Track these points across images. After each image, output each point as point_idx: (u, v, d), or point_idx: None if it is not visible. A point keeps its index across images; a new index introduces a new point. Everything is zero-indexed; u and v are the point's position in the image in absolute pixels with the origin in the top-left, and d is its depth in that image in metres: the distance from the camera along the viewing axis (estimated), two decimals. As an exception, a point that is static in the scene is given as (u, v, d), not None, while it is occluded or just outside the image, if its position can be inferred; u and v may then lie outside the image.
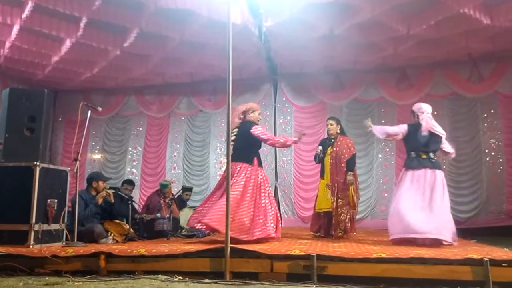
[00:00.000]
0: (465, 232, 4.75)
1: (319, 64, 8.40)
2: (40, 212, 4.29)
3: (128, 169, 9.86)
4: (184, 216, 6.70)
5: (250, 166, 4.82)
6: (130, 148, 9.98)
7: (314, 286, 3.31)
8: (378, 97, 8.77)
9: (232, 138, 4.90)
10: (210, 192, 5.06)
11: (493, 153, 8.15)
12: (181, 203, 7.29)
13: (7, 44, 7.17)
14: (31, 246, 4.13)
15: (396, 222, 4.69)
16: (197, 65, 8.40)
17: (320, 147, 5.85)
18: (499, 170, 8.05)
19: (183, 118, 9.92)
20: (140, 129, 10.05)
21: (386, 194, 8.52)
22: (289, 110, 9.23)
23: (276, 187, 8.82)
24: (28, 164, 4.32)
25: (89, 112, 5.06)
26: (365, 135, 8.78)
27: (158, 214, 6.21)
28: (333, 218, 5.53)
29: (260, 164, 4.95)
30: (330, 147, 5.76)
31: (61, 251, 3.90)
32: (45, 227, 4.34)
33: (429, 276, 3.33)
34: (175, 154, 9.75)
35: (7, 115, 4.49)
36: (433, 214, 4.56)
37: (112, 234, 5.04)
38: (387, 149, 8.70)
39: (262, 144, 5.03)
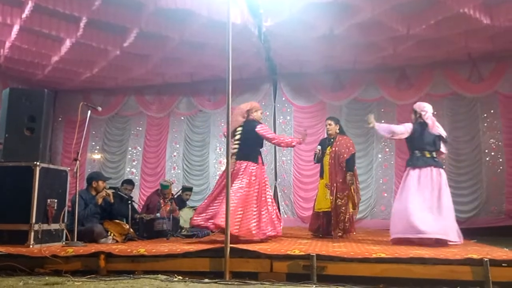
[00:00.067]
0: (465, 232, 4.74)
1: (319, 64, 8.39)
2: (40, 212, 4.29)
3: (128, 169, 9.86)
4: (184, 216, 6.70)
5: (255, 164, 4.91)
6: (130, 148, 9.98)
7: (314, 286, 3.31)
8: (378, 97, 8.77)
9: (237, 137, 4.98)
10: (215, 190, 4.91)
11: (493, 153, 8.15)
12: (181, 203, 7.29)
13: (7, 44, 7.17)
14: (31, 246, 4.13)
15: (401, 221, 4.66)
16: (197, 65, 8.40)
17: (319, 147, 5.86)
18: (499, 170, 8.04)
19: (182, 118, 9.92)
20: (140, 129, 10.05)
21: (385, 194, 8.53)
22: (288, 110, 9.23)
23: (275, 187, 8.82)
24: (28, 164, 4.33)
25: (89, 112, 5.06)
26: (365, 135, 8.80)
27: (158, 214, 6.21)
28: (332, 218, 5.53)
29: (263, 163, 5.08)
30: (329, 147, 5.76)
31: (61, 251, 3.90)
32: (45, 227, 4.35)
33: (429, 276, 3.33)
34: (175, 154, 9.75)
35: (7, 115, 4.49)
36: (442, 215, 4.60)
37: (112, 234, 5.04)
38: (387, 149, 8.70)
39: (263, 143, 5.10)
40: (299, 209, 8.72)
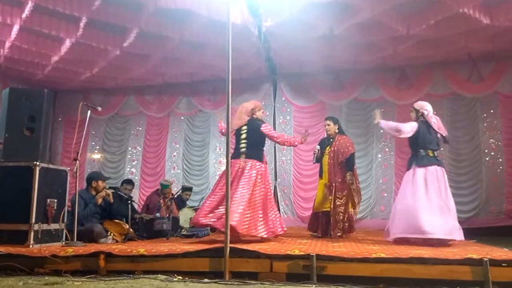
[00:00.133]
0: (464, 232, 4.74)
1: (319, 64, 8.39)
2: (39, 212, 4.29)
3: (128, 169, 9.86)
4: (184, 216, 6.70)
5: (260, 163, 4.98)
6: (129, 148, 9.98)
7: (314, 286, 3.31)
8: (378, 97, 8.77)
9: (243, 136, 5.02)
10: (222, 190, 4.83)
11: (492, 153, 8.15)
12: (180, 203, 7.29)
13: (7, 44, 7.17)
14: (30, 246, 4.13)
15: (407, 220, 4.62)
16: (197, 65, 8.40)
17: (318, 147, 5.86)
18: (498, 170, 8.05)
19: (182, 118, 9.92)
20: (140, 129, 10.05)
21: (385, 194, 8.53)
22: (288, 110, 9.24)
23: (275, 187, 8.82)
24: (28, 164, 4.32)
25: (89, 112, 5.06)
26: (364, 134, 8.80)
27: (158, 214, 6.21)
28: (331, 218, 5.53)
29: (266, 162, 5.17)
30: (328, 147, 5.76)
31: (61, 251, 3.90)
32: (44, 226, 4.35)
33: (428, 276, 3.33)
34: (175, 154, 9.75)
35: (7, 115, 4.49)
36: (448, 214, 4.63)
37: (112, 234, 5.04)
38: (387, 149, 8.71)
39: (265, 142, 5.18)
40: (299, 209, 8.72)
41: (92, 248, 3.98)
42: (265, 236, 4.76)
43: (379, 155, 8.73)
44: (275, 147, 8.80)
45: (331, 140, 5.79)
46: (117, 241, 4.98)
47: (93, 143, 10.17)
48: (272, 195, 5.15)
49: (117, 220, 5.34)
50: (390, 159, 8.64)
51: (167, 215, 6.08)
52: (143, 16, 6.57)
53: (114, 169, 9.86)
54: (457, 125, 8.26)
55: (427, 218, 4.53)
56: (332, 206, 5.51)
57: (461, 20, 6.43)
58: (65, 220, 4.65)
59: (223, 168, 8.11)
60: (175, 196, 7.30)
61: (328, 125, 5.86)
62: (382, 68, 8.55)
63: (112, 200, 5.39)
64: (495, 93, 8.18)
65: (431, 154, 4.89)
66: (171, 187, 7.05)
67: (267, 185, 5.03)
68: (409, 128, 4.92)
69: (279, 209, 7.48)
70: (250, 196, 4.71)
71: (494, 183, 8.02)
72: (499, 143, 8.12)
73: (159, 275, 3.58)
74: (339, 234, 5.48)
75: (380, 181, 8.62)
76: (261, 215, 4.78)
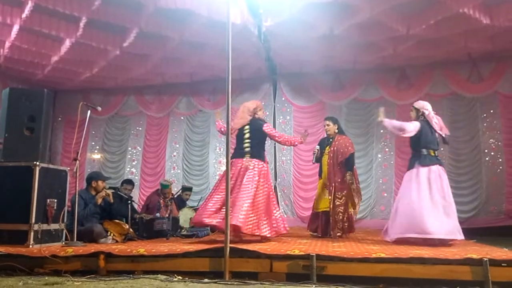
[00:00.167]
0: (464, 232, 4.74)
1: (319, 64, 8.39)
2: (39, 212, 4.29)
3: (128, 169, 9.86)
4: (184, 216, 6.70)
5: (263, 162, 5.02)
6: (129, 148, 9.98)
7: (314, 286, 3.31)
8: (378, 97, 8.77)
9: (247, 135, 5.04)
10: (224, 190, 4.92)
11: (492, 153, 8.15)
12: (180, 203, 7.29)
13: (7, 44, 7.17)
14: (30, 246, 4.13)
15: (410, 220, 4.59)
16: (197, 65, 8.40)
17: (317, 147, 5.86)
18: (498, 170, 8.04)
19: (182, 118, 9.91)
20: (140, 129, 10.05)
21: (385, 194, 8.53)
22: (288, 110, 9.23)
23: (275, 187, 8.82)
24: (28, 164, 4.32)
25: (89, 112, 5.06)
26: (364, 134, 8.80)
27: (158, 214, 6.21)
28: (331, 218, 5.53)
29: (267, 162, 5.22)
30: (328, 147, 5.76)
31: (61, 251, 3.90)
32: (44, 227, 4.35)
33: (428, 276, 3.33)
34: (175, 154, 9.75)
35: (6, 115, 4.49)
36: (451, 214, 4.65)
37: (112, 234, 5.04)
38: (387, 149, 8.71)
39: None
40: (298, 209, 8.72)
41: (92, 248, 3.98)
42: (268, 235, 4.79)
43: (379, 155, 8.73)
44: (275, 147, 8.80)
45: (331, 140, 5.79)
46: (117, 241, 4.98)
47: (93, 143, 10.16)
48: (274, 194, 5.17)
49: (117, 220, 5.34)
50: (390, 159, 8.64)
51: (167, 215, 6.08)
52: (143, 16, 6.57)
53: (114, 169, 9.86)
54: (457, 125, 8.26)
55: (431, 218, 4.53)
56: (331, 206, 5.51)
57: (461, 20, 6.43)
58: (65, 220, 4.65)
59: (223, 168, 8.11)
60: (175, 196, 7.31)
61: (328, 125, 5.86)
62: (382, 68, 8.54)
63: (112, 200, 5.39)
64: (495, 93, 8.18)
65: (432, 154, 4.91)
66: (171, 187, 7.05)
67: (269, 185, 5.07)
68: (412, 127, 4.91)
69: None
70: (254, 196, 4.74)
71: (494, 183, 8.02)
72: (499, 143, 8.12)
73: (159, 275, 3.57)
74: (338, 234, 5.48)
75: (380, 181, 8.61)
76: (264, 214, 4.82)
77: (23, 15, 6.32)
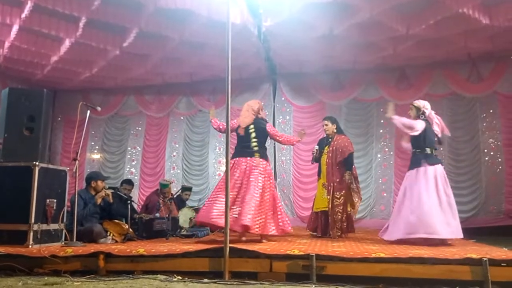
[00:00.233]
0: (464, 231, 4.74)
1: (319, 64, 8.39)
2: (39, 212, 4.29)
3: (127, 169, 9.86)
4: (183, 216, 6.70)
5: (266, 161, 5.06)
6: (129, 148, 9.98)
7: (313, 286, 3.31)
8: (378, 97, 8.77)
9: (253, 134, 5.05)
10: (232, 191, 4.75)
11: (492, 153, 8.15)
12: (180, 203, 7.29)
13: (7, 44, 7.17)
14: (30, 246, 4.13)
15: (418, 220, 4.54)
16: (197, 65, 8.40)
17: (316, 147, 5.87)
18: (498, 169, 8.05)
19: (182, 118, 9.91)
20: (139, 128, 10.05)
21: (385, 194, 8.53)
22: (288, 110, 9.24)
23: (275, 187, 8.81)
24: (27, 164, 4.32)
25: (88, 111, 5.05)
26: (364, 134, 8.80)
27: (157, 214, 6.21)
28: (330, 218, 5.53)
29: (269, 161, 5.27)
30: (327, 146, 5.77)
31: (60, 251, 3.89)
32: (44, 227, 4.34)
33: (428, 275, 3.33)
34: (174, 154, 9.75)
35: (6, 115, 4.49)
36: (455, 213, 4.67)
37: (111, 234, 5.04)
38: (386, 149, 8.71)
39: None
40: (298, 209, 8.72)
41: (91, 248, 3.98)
42: (275, 234, 4.84)
43: (379, 155, 8.73)
44: (274, 147, 8.80)
45: (330, 140, 5.80)
46: (116, 241, 4.98)
47: (93, 143, 10.16)
48: (277, 194, 5.24)
49: (116, 220, 5.34)
50: (389, 159, 8.64)
51: (167, 215, 6.08)
52: (143, 16, 6.56)
53: (114, 169, 9.85)
54: (456, 125, 8.26)
55: (439, 217, 4.54)
56: (330, 206, 5.52)
57: (460, 20, 6.43)
58: (65, 220, 4.65)
59: (223, 168, 8.11)
60: (175, 196, 7.31)
61: (326, 125, 5.87)
62: (381, 68, 8.55)
63: (111, 200, 5.38)
64: (495, 93, 8.19)
65: (434, 153, 4.93)
66: (171, 187, 7.05)
67: (273, 184, 5.14)
68: (420, 126, 4.90)
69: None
70: (262, 196, 4.78)
71: (493, 182, 8.02)
72: (499, 143, 8.12)
73: (158, 275, 3.57)
74: (338, 234, 5.48)
75: (380, 181, 8.62)
76: (270, 214, 4.86)
77: (23, 15, 6.31)
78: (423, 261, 3.40)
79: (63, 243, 4.52)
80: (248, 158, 4.95)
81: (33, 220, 4.20)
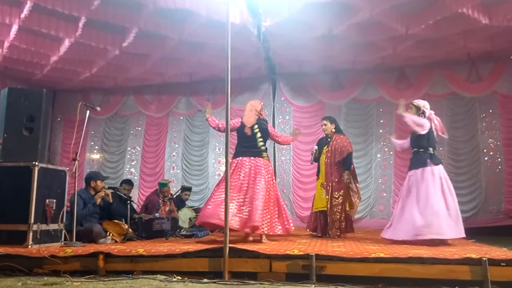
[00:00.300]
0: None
1: (318, 63, 8.40)
2: (38, 212, 4.29)
3: (127, 169, 9.85)
4: (183, 216, 6.69)
5: (268, 161, 5.10)
6: (129, 148, 9.97)
7: (313, 285, 3.31)
8: (377, 97, 8.78)
9: (258, 134, 5.07)
10: (241, 191, 4.77)
11: (491, 153, 8.16)
12: (180, 203, 7.28)
13: (6, 44, 7.16)
14: (29, 246, 4.13)
15: (431, 221, 4.52)
16: (196, 64, 8.40)
17: (316, 147, 5.88)
18: (497, 169, 8.06)
19: (182, 117, 9.91)
20: (139, 128, 10.04)
21: (384, 194, 8.53)
22: (287, 109, 9.24)
23: (275, 187, 8.82)
24: (27, 164, 4.32)
25: (88, 111, 5.06)
26: (364, 134, 8.81)
27: (157, 214, 6.21)
28: (328, 218, 5.54)
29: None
30: (326, 146, 5.77)
31: (60, 251, 3.89)
32: (43, 227, 4.34)
33: (427, 275, 3.34)
34: (174, 154, 9.75)
35: (5, 115, 4.49)
36: (458, 212, 4.68)
37: (111, 234, 5.03)
38: (386, 149, 8.71)
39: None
40: (298, 209, 8.72)
41: (91, 248, 3.98)
42: (281, 233, 4.90)
43: (378, 155, 8.73)
44: (274, 147, 8.80)
45: (329, 139, 5.80)
46: (116, 241, 4.97)
47: (92, 143, 10.15)
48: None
49: (116, 220, 5.33)
50: (389, 159, 8.65)
51: (166, 215, 6.08)
52: (142, 16, 6.56)
53: (113, 169, 9.85)
54: (456, 125, 8.27)
55: (446, 217, 4.55)
56: (328, 205, 5.52)
57: (460, 20, 6.43)
58: (64, 220, 4.65)
59: (223, 168, 8.10)
60: (175, 196, 7.30)
61: (325, 125, 5.87)
62: (381, 68, 8.55)
63: (111, 200, 5.38)
64: (494, 93, 8.19)
65: (435, 153, 4.94)
66: (170, 186, 7.05)
67: (276, 184, 5.19)
68: (428, 125, 4.91)
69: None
70: (267, 196, 4.80)
71: (493, 182, 8.03)
72: (498, 143, 8.13)
73: (158, 275, 3.58)
74: (337, 233, 5.48)
75: (380, 181, 8.62)
76: (276, 213, 4.89)
77: (22, 15, 6.31)
78: (423, 261, 3.40)
79: (62, 243, 4.52)
80: (252, 158, 4.94)
81: (32, 220, 4.20)
